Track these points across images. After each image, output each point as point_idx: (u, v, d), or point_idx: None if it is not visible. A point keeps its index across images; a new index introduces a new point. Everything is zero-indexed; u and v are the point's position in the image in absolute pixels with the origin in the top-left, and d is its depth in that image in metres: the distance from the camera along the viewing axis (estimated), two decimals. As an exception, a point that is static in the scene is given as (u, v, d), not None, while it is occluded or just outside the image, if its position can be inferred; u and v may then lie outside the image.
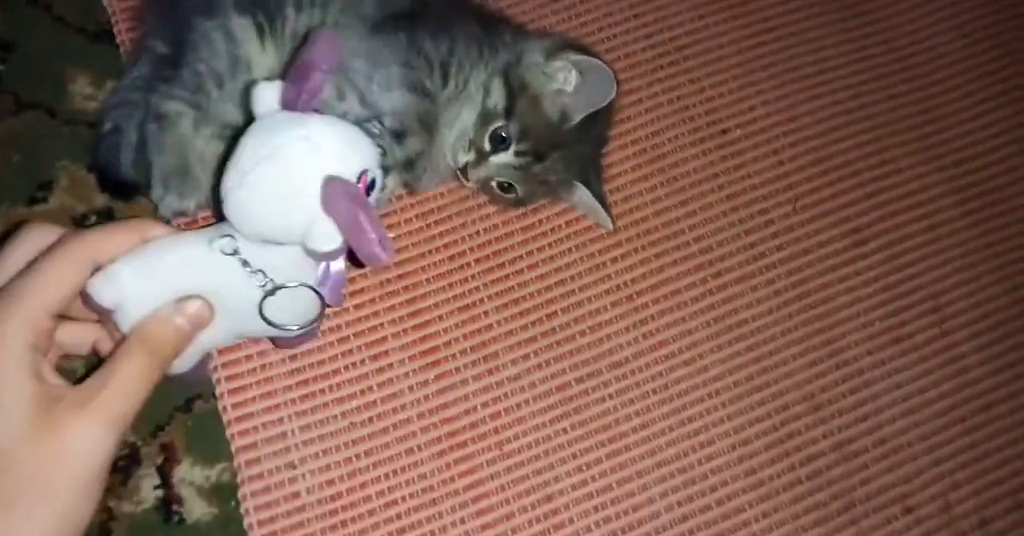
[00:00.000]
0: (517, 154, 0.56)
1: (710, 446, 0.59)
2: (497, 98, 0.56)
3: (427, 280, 0.61)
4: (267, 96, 0.38)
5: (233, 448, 0.55)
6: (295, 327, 0.40)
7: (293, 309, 0.40)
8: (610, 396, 0.60)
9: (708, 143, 0.68)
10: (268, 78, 0.39)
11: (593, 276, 0.63)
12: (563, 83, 0.56)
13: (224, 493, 0.55)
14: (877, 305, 0.65)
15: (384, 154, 0.52)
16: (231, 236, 0.37)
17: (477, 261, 0.62)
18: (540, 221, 0.64)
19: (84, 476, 0.33)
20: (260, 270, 0.38)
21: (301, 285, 0.39)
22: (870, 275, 0.65)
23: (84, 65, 0.66)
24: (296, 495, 0.55)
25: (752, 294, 0.64)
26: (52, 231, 0.37)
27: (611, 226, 0.61)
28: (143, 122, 0.56)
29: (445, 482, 0.56)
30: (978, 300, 0.66)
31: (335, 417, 0.57)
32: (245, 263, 0.38)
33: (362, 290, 0.60)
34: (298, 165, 0.35)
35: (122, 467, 0.55)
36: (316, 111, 0.37)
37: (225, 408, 0.56)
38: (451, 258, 0.62)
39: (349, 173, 0.36)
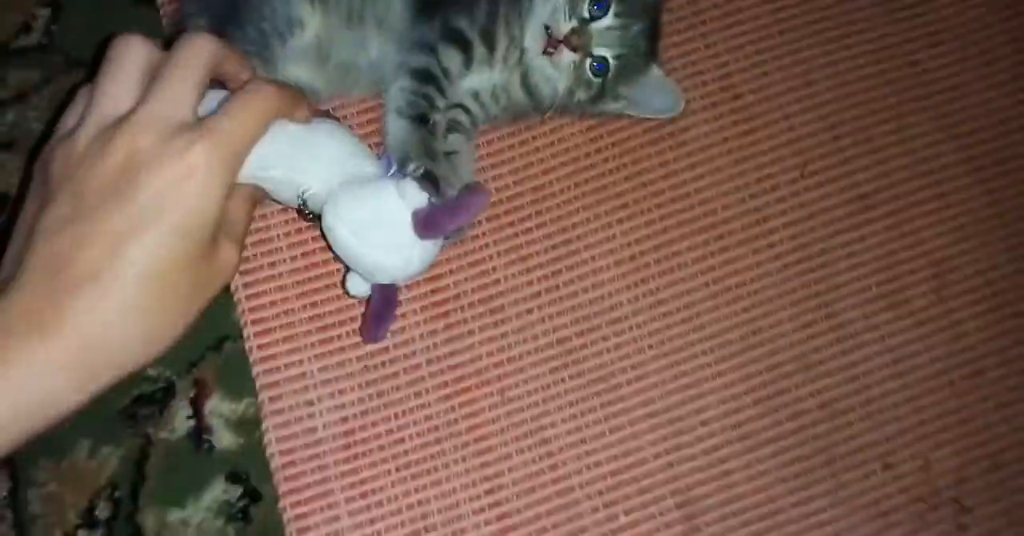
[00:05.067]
0: (617, 15, 0.58)
1: (700, 399, 0.63)
2: None
3: (440, 236, 0.65)
4: (413, 197, 0.47)
5: (257, 385, 0.61)
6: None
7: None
8: (607, 350, 0.63)
9: (720, 108, 0.69)
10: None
11: (598, 236, 0.66)
12: None
13: (249, 425, 0.61)
14: (877, 271, 0.66)
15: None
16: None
17: (487, 219, 0.65)
18: (551, 181, 0.67)
19: (200, 200, 0.38)
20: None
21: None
22: (873, 241, 0.67)
23: (127, 27, 0.69)
24: (313, 430, 0.60)
25: (752, 257, 0.66)
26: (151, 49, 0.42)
27: (682, 105, 0.62)
28: None
29: (449, 423, 0.61)
30: (981, 268, 0.67)
31: (351, 360, 0.62)
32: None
33: (379, 244, 0.64)
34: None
35: (159, 398, 0.61)
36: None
37: (251, 349, 0.62)
38: (464, 215, 0.65)
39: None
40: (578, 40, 0.58)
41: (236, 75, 0.45)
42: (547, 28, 0.58)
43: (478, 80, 0.61)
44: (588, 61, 0.59)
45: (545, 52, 0.59)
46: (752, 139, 0.68)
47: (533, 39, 0.59)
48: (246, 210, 0.44)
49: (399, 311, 0.61)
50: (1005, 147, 0.70)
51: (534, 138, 0.67)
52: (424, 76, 0.58)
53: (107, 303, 0.36)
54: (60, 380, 0.36)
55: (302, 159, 0.45)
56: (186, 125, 0.39)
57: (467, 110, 0.62)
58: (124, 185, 0.37)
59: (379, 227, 0.47)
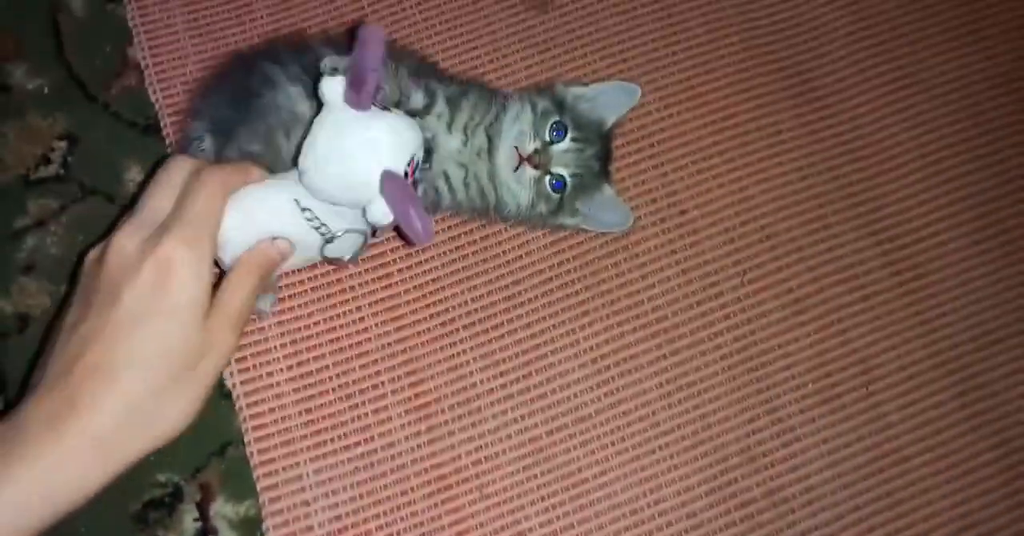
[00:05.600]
0: (573, 140, 0.67)
1: (658, 491, 0.70)
2: (546, 103, 0.68)
3: (421, 344, 0.72)
4: (333, 89, 0.50)
5: (258, 488, 0.67)
6: (346, 258, 0.56)
7: (344, 247, 0.55)
8: (574, 447, 0.70)
9: (668, 223, 0.78)
10: (333, 69, 0.51)
11: (563, 341, 0.73)
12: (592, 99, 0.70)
13: (251, 525, 0.67)
14: (811, 369, 0.74)
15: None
16: (308, 209, 0.52)
17: (465, 327, 0.73)
18: (520, 292, 0.74)
19: (212, 381, 0.46)
20: (324, 224, 0.53)
21: (349, 231, 0.54)
22: (806, 342, 0.75)
23: (136, 156, 0.77)
24: (310, 528, 0.66)
25: (700, 359, 0.74)
26: (192, 163, 0.50)
27: (630, 220, 0.70)
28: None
29: (433, 519, 0.67)
30: (903, 363, 0.75)
31: (343, 462, 0.68)
32: (313, 219, 0.53)
33: (366, 352, 0.72)
34: (362, 164, 0.50)
35: (167, 502, 0.67)
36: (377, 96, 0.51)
37: (252, 454, 0.68)
38: (442, 324, 0.73)
39: (401, 164, 0.50)
40: (539, 159, 0.66)
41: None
42: (515, 148, 0.67)
43: (444, 149, 0.66)
44: (548, 178, 0.67)
45: (515, 169, 0.67)
46: (697, 250, 0.77)
47: (505, 157, 0.68)
48: (241, 294, 0.49)
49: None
50: (921, 252, 0.80)
51: (504, 253, 0.76)
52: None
53: (112, 391, 0.43)
54: (75, 469, 0.42)
55: (259, 234, 0.51)
56: (161, 227, 0.47)
57: (436, 190, 0.68)
58: (115, 286, 0.45)
59: (328, 137, 0.50)
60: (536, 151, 0.66)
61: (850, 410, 0.73)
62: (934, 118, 0.84)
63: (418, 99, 0.64)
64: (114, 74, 0.79)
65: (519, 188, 0.68)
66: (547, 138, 0.67)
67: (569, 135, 0.67)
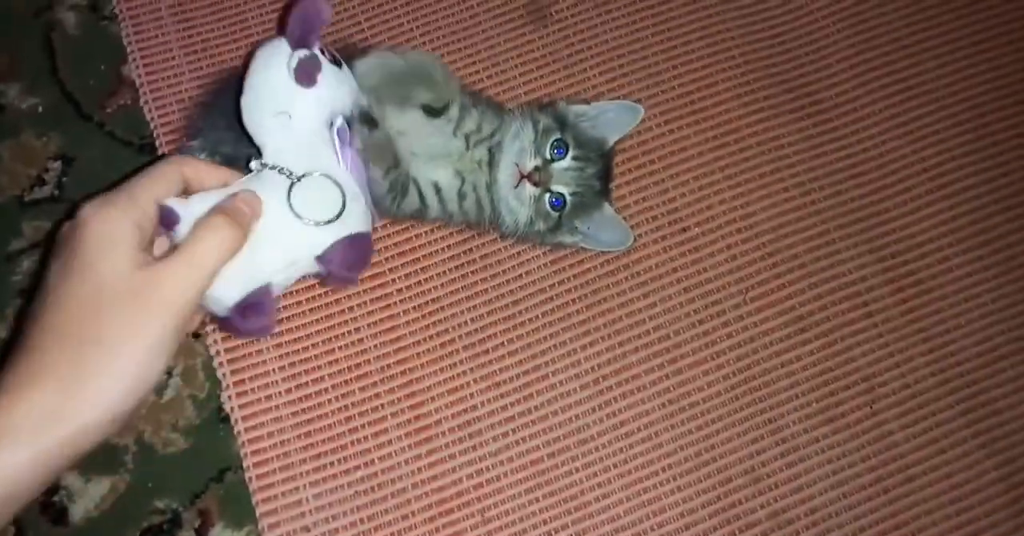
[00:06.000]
0: (574, 159, 0.67)
1: (661, 514, 0.69)
2: (547, 121, 0.68)
3: (421, 366, 0.72)
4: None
5: (257, 513, 0.66)
6: (324, 220, 0.52)
7: (320, 202, 0.52)
8: (576, 469, 0.70)
9: (669, 241, 0.77)
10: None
11: (564, 362, 0.73)
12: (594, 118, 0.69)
13: (250, 552, 0.66)
14: (814, 387, 0.74)
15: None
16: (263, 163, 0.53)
17: (465, 348, 0.72)
18: (520, 312, 0.74)
19: (170, 318, 0.45)
20: (283, 167, 0.52)
21: (320, 175, 0.53)
22: (809, 360, 0.74)
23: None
24: (310, 554, 0.66)
25: (703, 378, 0.73)
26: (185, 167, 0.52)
27: (631, 239, 0.69)
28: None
29: (434, 543, 0.67)
30: (907, 381, 0.75)
31: (342, 487, 0.68)
32: (270, 166, 0.53)
33: (366, 374, 0.71)
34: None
35: (166, 529, 0.66)
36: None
37: (250, 479, 0.67)
38: (442, 345, 0.72)
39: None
40: (539, 176, 0.66)
41: (203, 182, 0.53)
42: (516, 164, 0.66)
43: (439, 153, 0.66)
44: (547, 196, 0.66)
45: (515, 186, 0.66)
46: (698, 268, 0.77)
47: (506, 173, 0.67)
48: (210, 234, 0.48)
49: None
50: (924, 268, 0.79)
51: (504, 272, 0.75)
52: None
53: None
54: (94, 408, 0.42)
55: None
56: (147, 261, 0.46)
57: (423, 198, 0.67)
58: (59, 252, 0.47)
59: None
60: (536, 168, 0.66)
61: (854, 429, 0.73)
62: (937, 131, 0.84)
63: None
64: (109, 93, 0.78)
65: (518, 205, 0.67)
66: (548, 156, 0.66)
67: (570, 153, 0.67)
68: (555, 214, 0.67)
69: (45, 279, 0.46)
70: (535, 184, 0.66)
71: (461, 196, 0.67)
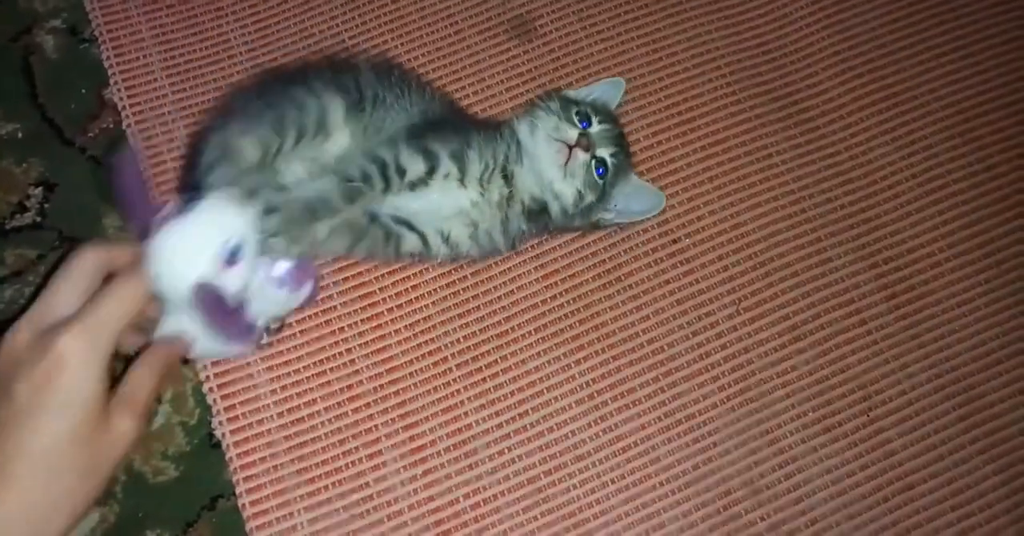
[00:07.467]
0: (600, 122, 0.68)
1: (661, 529, 0.68)
2: (555, 103, 0.69)
3: (414, 385, 0.71)
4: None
5: (252, 541, 0.65)
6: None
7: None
8: (574, 486, 0.69)
9: (660, 253, 0.77)
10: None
11: (559, 377, 0.72)
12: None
13: (245, 580, 0.65)
14: (811, 397, 0.73)
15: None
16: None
17: (458, 366, 0.72)
18: (513, 328, 0.73)
19: (77, 389, 0.45)
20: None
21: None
22: (805, 370, 0.74)
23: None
24: (305, 581, 0.65)
25: (699, 390, 0.73)
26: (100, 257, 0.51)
27: (663, 203, 0.70)
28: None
29: (432, 566, 0.66)
30: (904, 388, 0.74)
31: (337, 510, 0.67)
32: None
33: (358, 395, 0.70)
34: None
35: (159, 560, 0.65)
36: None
37: (244, 505, 0.66)
38: (435, 364, 0.72)
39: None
40: (586, 141, 0.66)
41: (123, 265, 0.51)
42: (560, 141, 0.66)
43: (448, 208, 0.66)
44: (592, 163, 0.67)
45: (566, 163, 0.66)
46: (690, 280, 0.76)
47: (549, 159, 0.67)
48: (148, 382, 0.49)
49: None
50: (916, 274, 0.79)
51: (495, 289, 0.74)
52: (378, 162, 0.62)
53: (7, 482, 0.43)
54: None
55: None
56: (60, 321, 0.46)
57: (426, 243, 0.66)
58: (8, 380, 0.45)
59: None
60: (581, 134, 0.67)
61: (852, 438, 0.72)
62: (924, 136, 0.84)
63: (418, 167, 0.63)
64: (90, 117, 0.78)
65: (568, 183, 0.67)
66: (577, 126, 0.68)
67: (595, 118, 0.68)
68: (600, 182, 0.67)
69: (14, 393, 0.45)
70: (585, 149, 0.66)
71: (472, 238, 0.68)
